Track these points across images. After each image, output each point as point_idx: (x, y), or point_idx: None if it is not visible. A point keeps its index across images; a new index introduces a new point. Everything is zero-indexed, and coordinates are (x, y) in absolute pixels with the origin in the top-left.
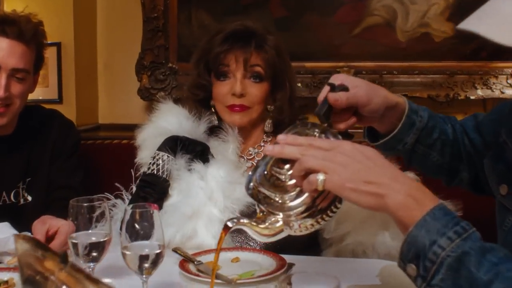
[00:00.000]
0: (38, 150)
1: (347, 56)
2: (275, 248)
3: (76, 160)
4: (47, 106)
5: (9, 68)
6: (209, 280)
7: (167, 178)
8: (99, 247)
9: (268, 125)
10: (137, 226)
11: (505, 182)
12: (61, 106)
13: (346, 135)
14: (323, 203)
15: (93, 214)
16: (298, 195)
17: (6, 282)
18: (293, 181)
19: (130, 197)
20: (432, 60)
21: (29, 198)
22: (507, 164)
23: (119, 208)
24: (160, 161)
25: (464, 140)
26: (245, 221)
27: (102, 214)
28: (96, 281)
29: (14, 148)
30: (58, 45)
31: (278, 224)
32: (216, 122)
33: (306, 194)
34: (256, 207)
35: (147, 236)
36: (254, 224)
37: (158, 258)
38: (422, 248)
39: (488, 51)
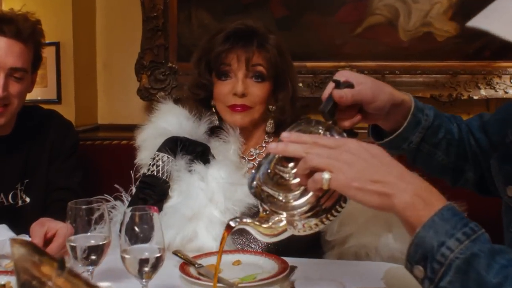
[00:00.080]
0: (36, 150)
1: (349, 56)
2: (277, 251)
3: (74, 161)
4: (46, 106)
5: (7, 68)
6: (210, 283)
7: (167, 179)
8: (98, 250)
9: (269, 125)
10: (136, 228)
11: None
12: (60, 106)
13: (351, 133)
14: (328, 202)
15: (91, 216)
16: (302, 194)
17: (4, 285)
18: (297, 180)
19: (129, 198)
20: (435, 60)
21: (27, 199)
22: None
23: (119, 210)
24: (160, 162)
25: (469, 140)
26: (248, 220)
27: (101, 216)
28: (94, 287)
29: (12, 148)
30: (56, 44)
31: (281, 224)
32: (217, 123)
33: (310, 193)
34: (259, 207)
35: (146, 239)
36: (257, 223)
37: (158, 262)
38: (430, 250)
39: (492, 51)
